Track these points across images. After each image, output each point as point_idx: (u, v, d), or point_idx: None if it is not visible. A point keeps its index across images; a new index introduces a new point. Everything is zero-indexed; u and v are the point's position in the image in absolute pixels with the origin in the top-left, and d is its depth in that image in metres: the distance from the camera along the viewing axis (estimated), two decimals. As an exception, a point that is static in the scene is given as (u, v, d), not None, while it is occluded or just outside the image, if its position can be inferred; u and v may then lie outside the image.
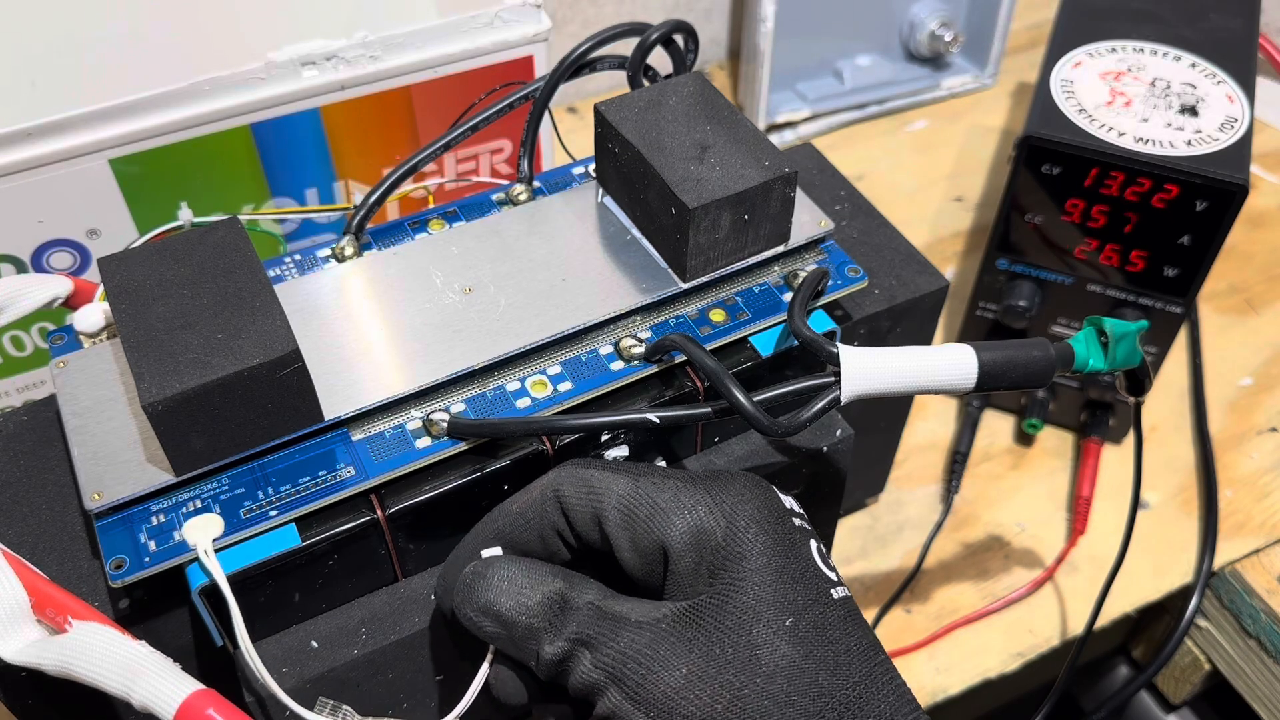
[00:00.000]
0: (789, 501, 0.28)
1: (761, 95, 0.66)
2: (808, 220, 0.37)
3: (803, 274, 0.36)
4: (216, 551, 0.29)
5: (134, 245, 0.33)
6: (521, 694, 0.28)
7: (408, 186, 0.40)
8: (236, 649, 0.30)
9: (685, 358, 0.33)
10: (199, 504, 0.30)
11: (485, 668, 0.28)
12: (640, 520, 0.27)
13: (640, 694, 0.25)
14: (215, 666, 0.32)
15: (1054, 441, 0.53)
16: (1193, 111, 0.45)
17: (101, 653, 0.26)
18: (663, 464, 0.34)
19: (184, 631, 0.32)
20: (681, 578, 0.26)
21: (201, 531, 0.29)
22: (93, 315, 0.33)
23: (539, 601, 0.26)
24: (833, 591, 0.26)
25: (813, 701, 0.24)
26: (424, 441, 0.31)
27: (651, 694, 0.25)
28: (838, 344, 0.30)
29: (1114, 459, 0.52)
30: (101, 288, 0.34)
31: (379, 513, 0.30)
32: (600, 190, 0.38)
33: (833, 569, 0.27)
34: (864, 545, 0.49)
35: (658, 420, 0.30)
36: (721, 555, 0.26)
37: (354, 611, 0.32)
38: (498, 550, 0.28)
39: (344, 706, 0.28)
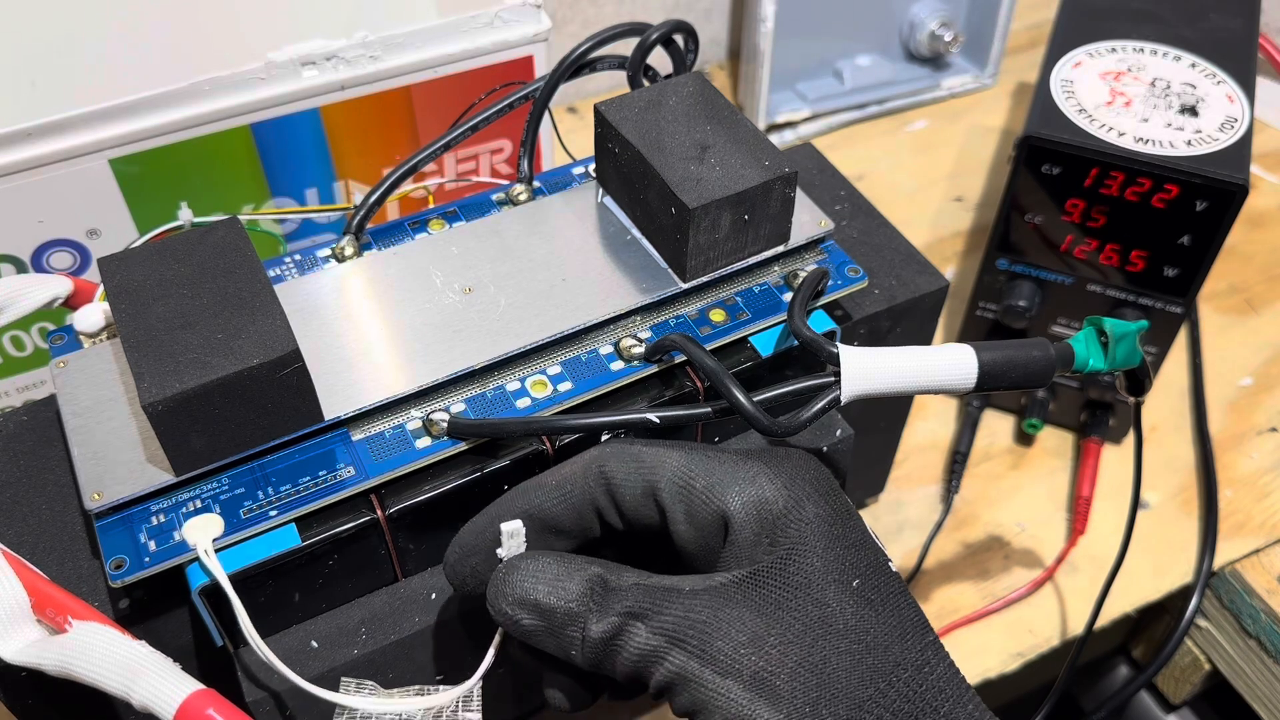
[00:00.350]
0: None
1: (761, 95, 0.66)
2: (808, 220, 0.37)
3: (803, 274, 0.36)
4: (216, 551, 0.29)
5: (134, 245, 0.34)
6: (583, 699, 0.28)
7: (408, 186, 0.40)
8: (237, 649, 0.30)
9: (685, 358, 0.33)
10: (199, 504, 0.30)
11: (492, 651, 0.28)
12: (698, 491, 0.27)
13: (706, 651, 0.24)
14: (215, 666, 0.32)
15: (1054, 441, 0.53)
16: (1193, 111, 0.45)
17: (101, 653, 0.26)
18: None
19: (184, 631, 0.32)
20: (741, 548, 0.26)
21: (201, 531, 0.29)
22: (93, 315, 0.33)
23: (578, 585, 0.26)
24: (889, 564, 0.27)
25: (882, 662, 0.24)
26: (424, 441, 0.31)
27: (720, 650, 0.24)
28: (838, 344, 0.30)
29: (1114, 459, 0.52)
30: (101, 288, 0.34)
31: (379, 513, 0.30)
32: (600, 190, 0.38)
33: (882, 545, 0.27)
34: (864, 545, 0.49)
35: (658, 420, 0.30)
36: (783, 523, 0.26)
37: (354, 611, 0.32)
38: (517, 523, 0.27)
39: (368, 682, 0.28)
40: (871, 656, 0.24)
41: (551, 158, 0.50)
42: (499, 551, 0.27)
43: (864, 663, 0.24)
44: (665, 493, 0.27)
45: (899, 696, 0.24)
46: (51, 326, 0.43)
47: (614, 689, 0.29)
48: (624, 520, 0.28)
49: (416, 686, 0.28)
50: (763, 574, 0.25)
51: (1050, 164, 0.44)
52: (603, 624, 0.25)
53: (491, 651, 0.28)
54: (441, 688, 0.28)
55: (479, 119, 0.38)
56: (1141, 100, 0.46)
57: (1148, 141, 0.43)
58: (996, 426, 0.54)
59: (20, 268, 0.42)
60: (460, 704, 0.27)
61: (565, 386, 0.33)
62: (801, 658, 0.24)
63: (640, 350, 0.33)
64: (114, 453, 0.30)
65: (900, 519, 0.50)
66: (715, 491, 0.26)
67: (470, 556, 0.28)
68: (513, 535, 0.27)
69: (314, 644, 0.31)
